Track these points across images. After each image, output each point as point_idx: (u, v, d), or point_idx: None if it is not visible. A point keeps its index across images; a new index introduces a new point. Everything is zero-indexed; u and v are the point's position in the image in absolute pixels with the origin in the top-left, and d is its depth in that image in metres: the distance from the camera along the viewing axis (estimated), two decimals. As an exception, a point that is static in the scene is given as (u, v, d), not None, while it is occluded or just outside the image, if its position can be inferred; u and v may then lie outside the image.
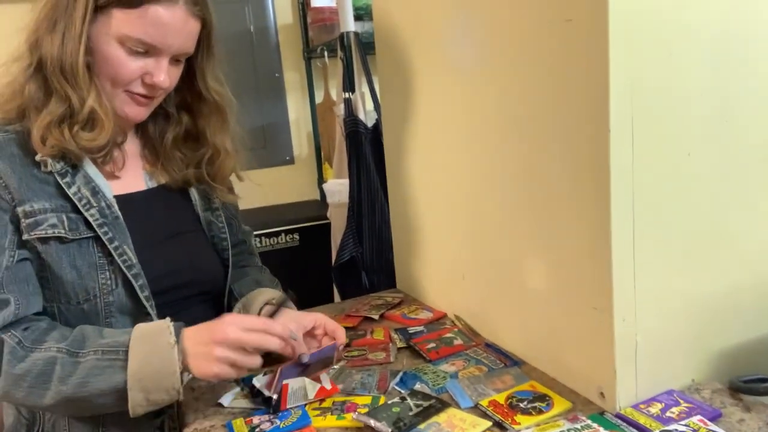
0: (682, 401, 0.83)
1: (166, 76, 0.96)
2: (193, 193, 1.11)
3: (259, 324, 0.89)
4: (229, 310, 1.13)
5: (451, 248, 1.20)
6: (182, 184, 1.10)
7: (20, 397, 0.87)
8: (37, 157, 0.91)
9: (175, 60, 0.98)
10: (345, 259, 2.12)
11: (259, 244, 2.29)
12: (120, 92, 0.95)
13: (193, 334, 0.88)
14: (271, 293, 1.08)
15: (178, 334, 0.87)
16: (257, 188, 2.76)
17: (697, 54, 0.80)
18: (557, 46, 0.83)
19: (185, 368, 0.86)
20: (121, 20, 0.90)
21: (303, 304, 1.32)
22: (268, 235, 2.32)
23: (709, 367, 0.89)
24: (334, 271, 2.18)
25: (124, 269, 0.94)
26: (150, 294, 0.97)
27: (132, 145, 1.07)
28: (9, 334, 0.86)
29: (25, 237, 0.90)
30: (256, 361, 0.88)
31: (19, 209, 0.89)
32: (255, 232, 2.32)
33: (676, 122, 0.81)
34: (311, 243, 2.39)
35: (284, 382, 0.91)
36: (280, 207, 2.64)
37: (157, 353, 0.85)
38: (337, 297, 2.23)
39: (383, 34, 1.33)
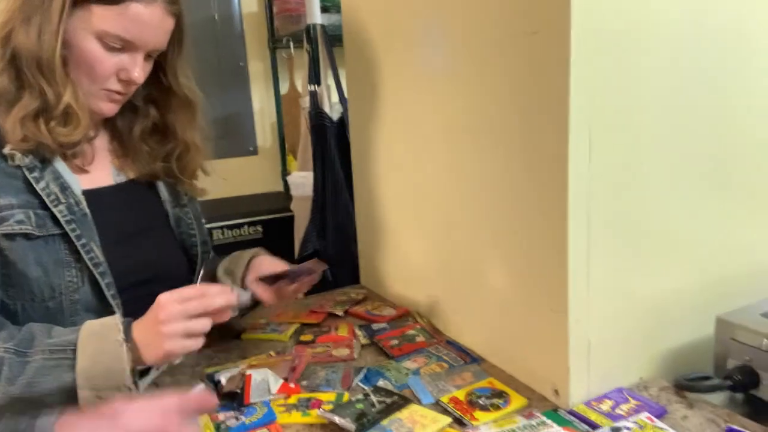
0: (630, 398, 0.88)
1: (141, 71, 0.96)
2: (162, 189, 1.11)
3: (195, 291, 0.88)
4: None
5: (415, 246, 1.23)
6: (150, 178, 1.09)
7: None
8: (5, 150, 0.89)
9: (147, 55, 0.98)
10: (308, 252, 2.13)
11: (221, 236, 2.29)
12: (97, 89, 0.95)
13: (140, 325, 0.87)
14: (256, 249, 1.14)
15: (127, 330, 0.86)
16: (219, 179, 2.73)
17: (655, 70, 0.84)
18: (523, 57, 0.86)
19: (139, 362, 0.86)
20: (100, 16, 0.90)
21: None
22: (231, 227, 2.32)
23: (656, 365, 0.95)
24: (298, 263, 2.19)
25: (90, 267, 0.93)
26: (116, 292, 0.96)
27: (100, 139, 1.06)
28: None
29: None
30: (206, 323, 0.87)
31: None
32: (217, 224, 2.32)
33: (632, 134, 0.85)
34: (274, 235, 2.39)
35: (248, 373, 0.92)
36: (243, 198, 2.63)
37: (106, 351, 0.84)
38: (299, 289, 2.23)
39: (351, 28, 1.34)
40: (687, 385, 0.89)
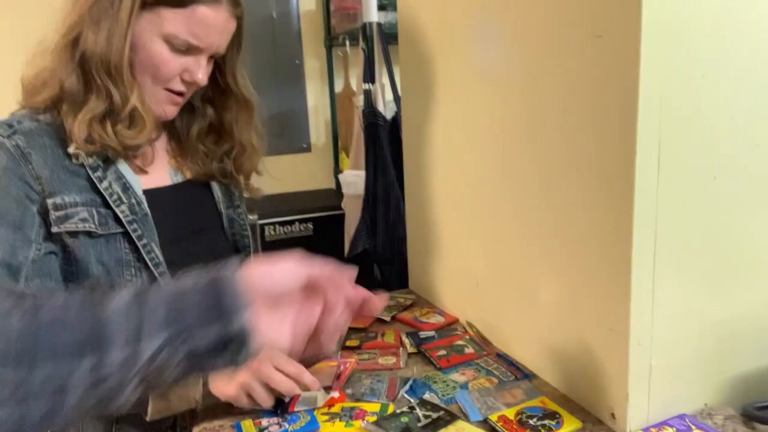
0: (693, 427, 0.82)
1: (204, 73, 0.97)
2: (216, 190, 1.11)
3: (292, 370, 0.90)
4: None
5: (467, 253, 1.19)
6: (205, 179, 1.10)
7: None
8: (70, 150, 0.90)
9: (210, 57, 0.98)
10: (358, 251, 2.12)
11: (272, 233, 2.30)
12: (160, 90, 0.96)
13: None
14: None
15: None
16: (272, 175, 2.74)
17: (730, 78, 0.78)
18: (586, 61, 0.81)
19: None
20: (168, 19, 0.90)
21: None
22: (282, 224, 2.33)
23: (722, 391, 0.88)
24: (346, 263, 2.18)
25: (151, 267, 0.94)
26: None
27: (159, 140, 1.07)
28: None
29: (54, 230, 0.89)
30: (269, 402, 0.89)
31: (49, 201, 0.89)
32: (268, 220, 2.33)
33: (704, 145, 0.79)
34: (325, 233, 2.39)
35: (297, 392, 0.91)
36: (294, 195, 2.63)
37: None
38: (348, 288, 2.23)
39: (407, 28, 1.31)
40: (756, 415, 0.83)
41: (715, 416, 0.85)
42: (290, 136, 2.74)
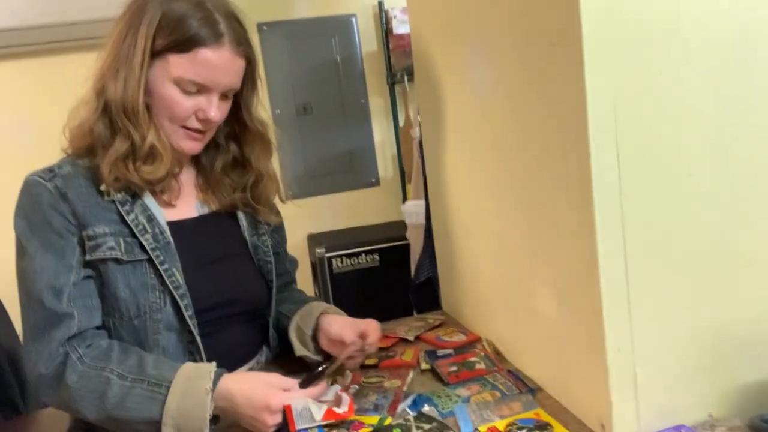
0: (689, 437, 0.78)
1: (216, 111, 1.06)
2: (242, 220, 1.20)
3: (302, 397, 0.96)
4: (277, 330, 1.22)
5: (482, 272, 1.20)
6: (230, 209, 1.19)
7: (73, 408, 0.99)
8: (102, 188, 1.04)
9: (223, 95, 1.08)
10: (422, 279, 2.15)
11: (339, 265, 2.39)
12: (177, 128, 1.07)
13: (242, 392, 0.94)
14: (324, 305, 1.19)
15: (216, 380, 0.94)
16: (344, 210, 2.85)
17: (692, 68, 0.77)
18: (545, 69, 0.83)
19: (233, 421, 0.96)
20: (175, 64, 1.02)
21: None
22: (348, 256, 2.41)
23: (729, 402, 0.84)
24: (411, 291, 2.22)
25: (171, 289, 1.04)
26: (194, 313, 1.06)
27: (187, 176, 1.18)
28: (72, 348, 0.98)
29: (87, 257, 1.01)
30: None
31: (84, 233, 1.02)
32: (335, 253, 2.43)
33: (670, 142, 0.78)
34: (391, 263, 2.44)
35: (286, 404, 0.94)
36: (363, 228, 2.72)
37: (192, 396, 0.93)
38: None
39: (420, 56, 1.37)
40: (762, 427, 0.78)
41: (718, 427, 0.81)
42: (359, 171, 2.84)
